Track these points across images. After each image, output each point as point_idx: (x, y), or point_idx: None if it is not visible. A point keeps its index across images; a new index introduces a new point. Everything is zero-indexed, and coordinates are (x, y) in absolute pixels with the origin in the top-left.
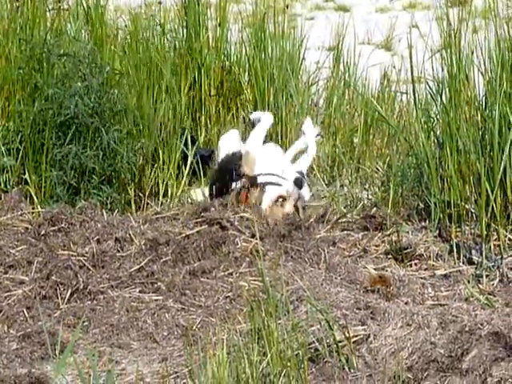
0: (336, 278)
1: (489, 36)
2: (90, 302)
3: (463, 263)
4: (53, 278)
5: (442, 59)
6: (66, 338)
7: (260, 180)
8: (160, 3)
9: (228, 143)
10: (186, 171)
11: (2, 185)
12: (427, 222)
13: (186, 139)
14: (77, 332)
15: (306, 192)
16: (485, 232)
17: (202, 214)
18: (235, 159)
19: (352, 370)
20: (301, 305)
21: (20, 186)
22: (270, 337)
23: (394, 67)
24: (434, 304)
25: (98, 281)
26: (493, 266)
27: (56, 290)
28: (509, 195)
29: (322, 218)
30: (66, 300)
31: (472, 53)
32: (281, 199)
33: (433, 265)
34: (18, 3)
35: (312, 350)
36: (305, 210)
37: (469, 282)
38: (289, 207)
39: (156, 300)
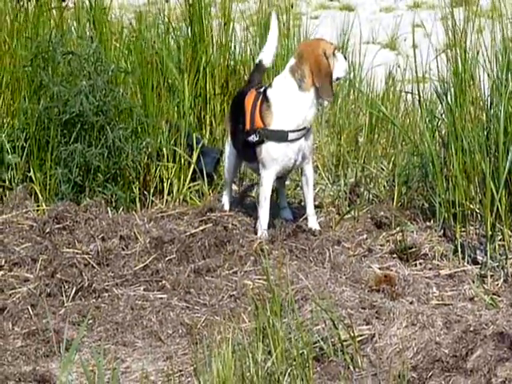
0: (341, 278)
1: (494, 36)
2: (94, 300)
3: (468, 263)
4: (57, 275)
5: (447, 59)
6: (71, 335)
7: None
8: (167, 1)
9: None
10: (191, 170)
11: (7, 182)
12: (432, 221)
13: (192, 139)
14: (82, 330)
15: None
16: (490, 232)
17: (207, 213)
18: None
19: (357, 370)
20: (306, 304)
21: (25, 184)
22: (274, 336)
23: (399, 66)
24: (438, 304)
25: (102, 279)
26: (497, 266)
27: (61, 287)
28: None
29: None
30: (70, 298)
31: (477, 52)
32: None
33: (437, 264)
34: (21, 2)
35: (317, 349)
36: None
37: (473, 281)
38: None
39: (161, 298)
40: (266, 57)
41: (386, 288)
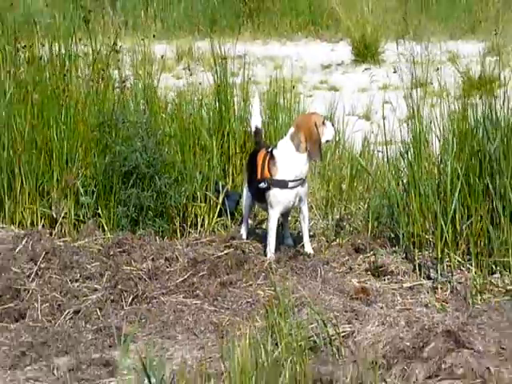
0: (329, 289)
1: (443, 110)
2: (146, 305)
3: (423, 278)
4: (119, 286)
5: (408, 127)
6: (129, 331)
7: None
8: (201, 84)
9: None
10: (218, 209)
11: (81, 217)
12: (397, 247)
13: (219, 186)
14: (136, 327)
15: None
16: (440, 255)
17: (230, 241)
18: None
19: (341, 357)
20: (303, 308)
21: (94, 218)
22: (280, 332)
23: (373, 132)
24: (402, 308)
25: (152, 289)
26: (445, 281)
27: (121, 295)
28: (457, 228)
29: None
30: (128, 303)
31: (430, 122)
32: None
33: (401, 279)
34: (92, 84)
35: (311, 342)
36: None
37: (428, 292)
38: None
39: (195, 304)
40: (257, 122)
41: (362, 297)
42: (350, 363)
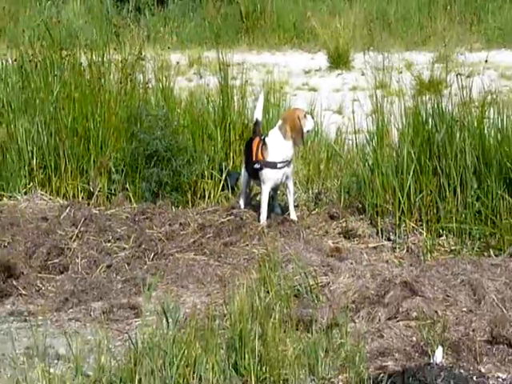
0: (310, 248)
1: (400, 106)
2: (164, 261)
3: (385, 240)
4: (142, 246)
5: (372, 120)
6: (150, 281)
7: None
8: (208, 85)
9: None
10: (221, 184)
11: (113, 191)
12: (363, 215)
13: (222, 166)
14: (156, 278)
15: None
16: (397, 222)
17: (231, 210)
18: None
19: (319, 302)
20: (289, 264)
21: (123, 192)
22: (270, 282)
23: (344, 124)
24: (367, 264)
25: (169, 248)
26: (402, 242)
27: (144, 253)
28: (412, 200)
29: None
30: (150, 259)
31: (390, 116)
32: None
33: (366, 241)
34: (121, 85)
35: (295, 290)
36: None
37: (388, 251)
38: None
39: (204, 260)
40: (259, 115)
41: (336, 254)
42: (326, 307)
